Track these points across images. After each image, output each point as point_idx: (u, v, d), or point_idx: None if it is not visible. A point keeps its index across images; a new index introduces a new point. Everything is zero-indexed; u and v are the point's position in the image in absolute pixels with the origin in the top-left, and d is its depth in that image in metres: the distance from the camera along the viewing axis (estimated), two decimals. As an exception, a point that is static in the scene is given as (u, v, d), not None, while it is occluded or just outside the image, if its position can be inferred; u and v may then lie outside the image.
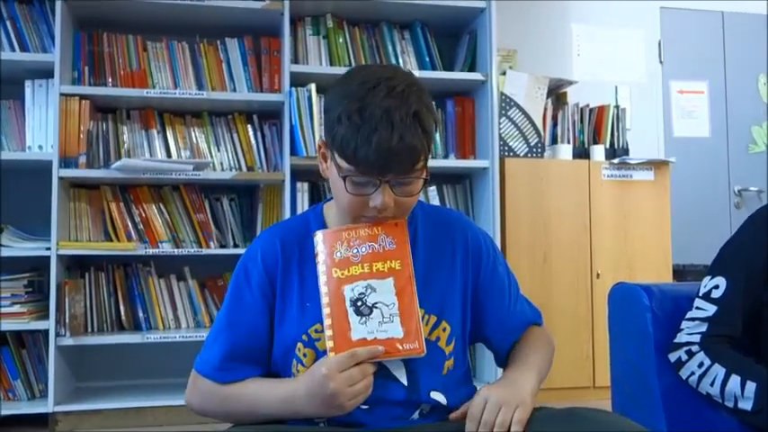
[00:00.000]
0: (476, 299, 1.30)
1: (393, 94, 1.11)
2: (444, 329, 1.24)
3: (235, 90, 3.17)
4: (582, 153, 3.61)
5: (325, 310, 1.14)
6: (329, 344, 1.13)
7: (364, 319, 1.14)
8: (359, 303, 1.15)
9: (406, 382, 1.19)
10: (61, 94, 2.89)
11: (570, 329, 3.39)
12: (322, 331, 1.19)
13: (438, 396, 1.21)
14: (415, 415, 1.21)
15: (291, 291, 1.24)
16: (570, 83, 3.75)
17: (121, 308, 3.08)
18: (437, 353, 1.21)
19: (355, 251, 1.17)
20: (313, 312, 1.21)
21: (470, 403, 1.15)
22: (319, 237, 1.19)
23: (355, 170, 1.12)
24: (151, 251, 3.00)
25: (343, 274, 1.16)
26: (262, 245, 1.29)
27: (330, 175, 1.21)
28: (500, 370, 1.35)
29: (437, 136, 3.34)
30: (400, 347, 1.14)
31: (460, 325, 1.27)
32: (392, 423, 1.19)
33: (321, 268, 1.17)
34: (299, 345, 1.21)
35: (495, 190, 3.24)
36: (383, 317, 1.14)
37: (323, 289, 1.16)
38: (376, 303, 1.15)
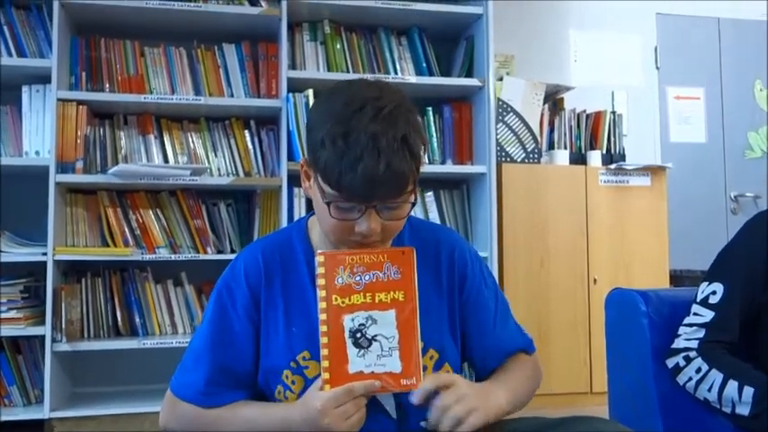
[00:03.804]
0: (462, 318, 1.26)
1: (380, 116, 1.06)
2: (432, 357, 1.19)
3: (232, 95, 3.17)
4: (579, 159, 3.62)
5: (323, 340, 1.09)
6: (325, 375, 1.08)
7: (363, 351, 1.10)
8: (358, 335, 1.10)
9: (395, 416, 1.16)
10: (58, 100, 2.89)
11: (567, 335, 3.39)
12: (310, 359, 1.16)
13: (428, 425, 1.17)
14: None
15: (276, 313, 1.21)
16: (567, 88, 3.75)
17: (118, 313, 3.06)
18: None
19: (358, 278, 1.11)
20: (299, 338, 1.17)
21: (441, 396, 1.09)
22: (321, 258, 1.12)
23: (339, 196, 1.07)
24: (148, 257, 2.99)
25: (343, 303, 1.10)
26: (245, 262, 1.24)
27: (313, 196, 1.16)
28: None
29: (434, 142, 3.34)
30: (397, 383, 1.10)
31: (450, 350, 1.23)
32: None
33: (321, 294, 1.11)
34: (287, 372, 1.18)
35: (492, 195, 3.25)
36: (382, 350, 1.10)
37: (321, 316, 1.10)
38: (376, 336, 1.10)
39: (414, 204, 1.14)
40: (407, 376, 1.10)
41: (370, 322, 1.10)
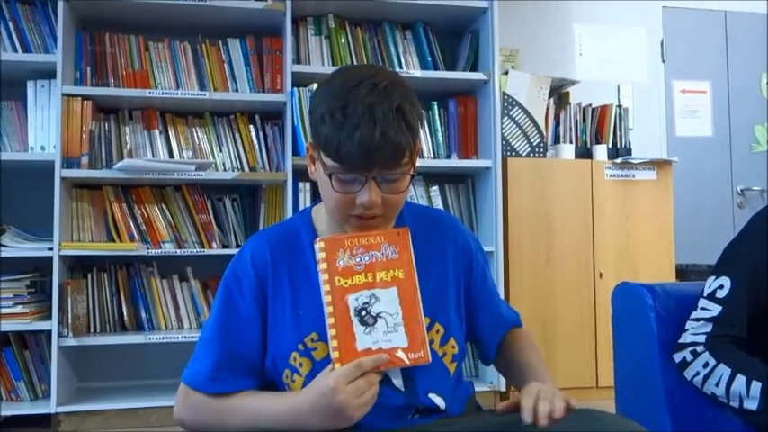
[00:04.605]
0: (468, 301, 1.32)
1: (375, 90, 1.12)
2: (438, 331, 1.23)
3: (237, 90, 3.17)
4: (584, 153, 3.60)
5: (329, 320, 1.12)
6: (334, 354, 1.10)
7: (369, 329, 1.12)
8: (363, 313, 1.13)
9: (403, 388, 1.19)
10: (63, 95, 2.89)
11: (573, 329, 3.38)
12: (318, 340, 1.19)
13: (436, 398, 1.21)
14: (414, 415, 1.20)
15: (283, 298, 1.23)
16: (572, 82, 3.74)
17: (124, 308, 3.08)
18: (432, 357, 1.17)
19: (358, 260, 1.15)
20: (307, 321, 1.20)
21: (521, 395, 1.13)
22: (321, 244, 1.15)
23: (340, 167, 1.12)
24: (153, 251, 3.00)
25: (346, 283, 1.14)
26: (251, 250, 1.27)
27: (318, 177, 1.21)
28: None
29: (439, 136, 3.34)
30: (405, 357, 1.13)
31: (456, 325, 1.27)
32: (390, 424, 1.18)
33: (323, 277, 1.14)
34: (295, 354, 1.20)
35: (497, 190, 3.24)
36: (387, 326, 1.13)
37: (326, 298, 1.13)
38: (380, 313, 1.13)
39: (413, 177, 1.18)
40: (414, 350, 1.13)
41: (373, 300, 1.14)
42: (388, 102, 1.11)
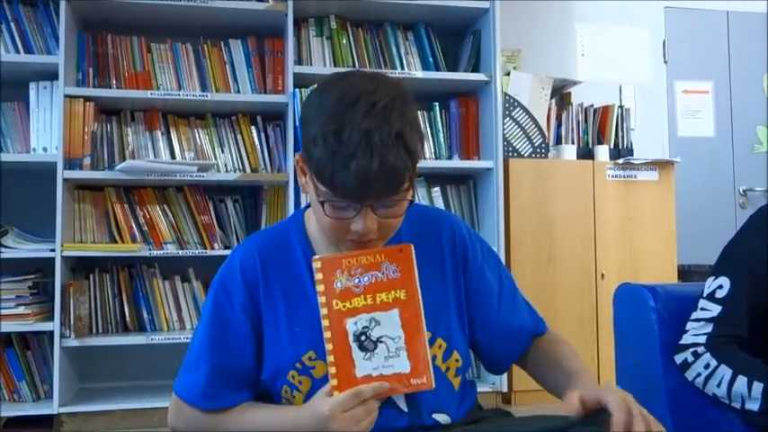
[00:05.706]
0: (466, 303, 1.24)
1: (373, 112, 1.01)
2: (440, 346, 1.17)
3: (239, 91, 3.17)
4: (586, 153, 3.60)
5: (327, 346, 1.07)
6: (333, 382, 1.07)
7: (369, 354, 1.07)
8: (362, 338, 1.08)
9: (406, 409, 1.14)
10: (65, 96, 2.90)
11: (575, 330, 3.37)
12: (316, 359, 1.13)
13: (440, 417, 1.16)
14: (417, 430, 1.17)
15: (276, 311, 1.18)
16: (574, 83, 3.74)
17: (126, 309, 3.08)
18: (435, 373, 1.12)
19: (357, 281, 1.09)
20: (304, 338, 1.15)
21: (610, 404, 1.00)
22: (318, 264, 1.09)
23: (333, 195, 1.04)
24: (155, 252, 3.00)
25: (344, 307, 1.08)
26: (241, 259, 1.21)
27: (308, 192, 1.12)
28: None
29: (441, 137, 3.34)
30: (407, 383, 1.08)
31: (458, 337, 1.21)
32: None
33: (321, 299, 1.09)
34: (293, 372, 1.15)
35: (499, 191, 3.24)
36: (389, 351, 1.08)
37: (323, 322, 1.08)
38: (381, 337, 1.08)
39: (411, 202, 1.10)
40: (417, 376, 1.08)
41: (373, 324, 1.08)
42: (387, 126, 1.01)
